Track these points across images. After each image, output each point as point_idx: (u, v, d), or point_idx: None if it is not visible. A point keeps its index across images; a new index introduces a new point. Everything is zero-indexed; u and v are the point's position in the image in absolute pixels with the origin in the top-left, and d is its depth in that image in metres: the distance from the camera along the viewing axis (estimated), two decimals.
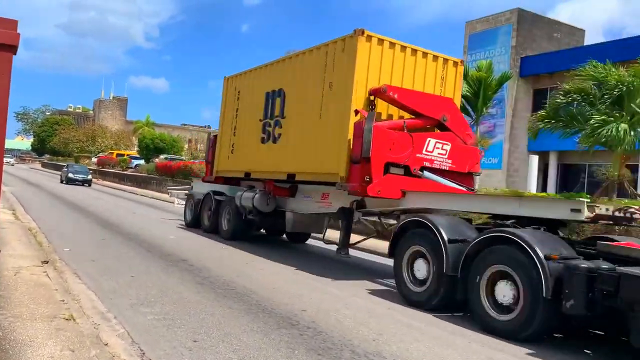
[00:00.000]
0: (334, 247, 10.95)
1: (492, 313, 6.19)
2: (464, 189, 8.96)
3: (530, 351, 5.79)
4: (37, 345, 4.63)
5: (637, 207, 6.29)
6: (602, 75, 10.73)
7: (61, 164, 56.63)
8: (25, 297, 6.15)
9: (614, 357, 6.06)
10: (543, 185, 27.71)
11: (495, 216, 7.14)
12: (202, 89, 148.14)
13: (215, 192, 14.32)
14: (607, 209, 6.21)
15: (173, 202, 24.25)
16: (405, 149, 8.61)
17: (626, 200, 11.65)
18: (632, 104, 10.82)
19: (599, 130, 10.47)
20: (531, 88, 28.23)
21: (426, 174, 8.84)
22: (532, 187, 20.54)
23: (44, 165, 73.83)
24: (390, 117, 9.50)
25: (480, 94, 15.31)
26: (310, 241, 14.13)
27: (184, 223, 16.19)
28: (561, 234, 6.66)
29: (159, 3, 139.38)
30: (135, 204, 23.62)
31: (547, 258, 5.59)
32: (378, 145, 8.35)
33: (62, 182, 36.27)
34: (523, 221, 6.47)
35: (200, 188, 15.72)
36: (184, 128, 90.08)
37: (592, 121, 10.74)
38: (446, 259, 6.70)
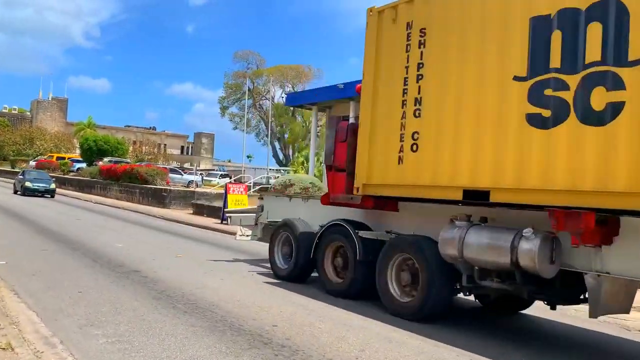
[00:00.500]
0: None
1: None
2: None
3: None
4: None
5: None
6: None
7: (6, 169, 53.44)
8: None
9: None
10: None
11: None
12: (146, 89, 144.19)
13: (357, 225, 8.16)
14: None
15: (234, 233, 16.35)
16: None
17: None
18: None
19: None
20: None
21: None
22: None
23: None
24: None
25: None
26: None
27: (269, 270, 10.04)
28: None
29: (100, 1, 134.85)
30: (155, 232, 16.47)
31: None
32: None
33: (16, 192, 30.16)
34: None
35: (307, 212, 9.60)
36: (128, 130, 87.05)
37: None
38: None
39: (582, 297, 6.34)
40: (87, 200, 29.24)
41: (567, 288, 6.21)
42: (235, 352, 5.22)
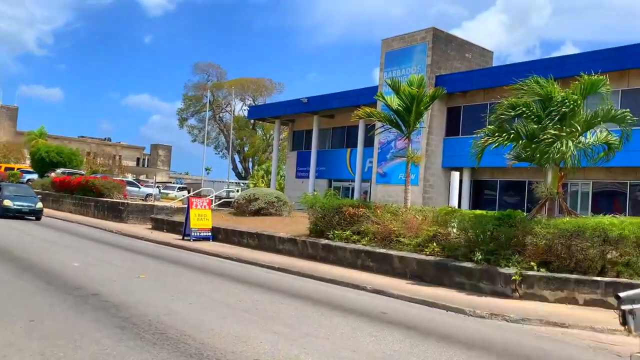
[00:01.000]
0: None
1: None
2: None
3: None
4: None
5: None
6: (547, 91, 10.57)
7: None
8: None
9: None
10: (457, 201, 28.21)
11: None
12: (101, 100, 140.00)
13: None
14: None
15: (199, 251, 16.16)
16: None
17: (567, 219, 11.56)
18: (572, 121, 10.75)
19: (554, 146, 10.24)
20: (445, 106, 28.70)
21: None
22: (454, 202, 20.58)
23: None
24: None
25: (412, 108, 14.90)
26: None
27: (241, 291, 9.88)
28: None
29: (53, 9, 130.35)
30: (114, 249, 15.34)
31: None
32: None
33: None
34: None
35: None
36: (82, 140, 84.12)
37: (546, 137, 10.48)
38: None
39: None
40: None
41: None
42: None
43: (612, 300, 9.79)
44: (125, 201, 27.27)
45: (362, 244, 13.87)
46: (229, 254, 15.63)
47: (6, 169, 47.51)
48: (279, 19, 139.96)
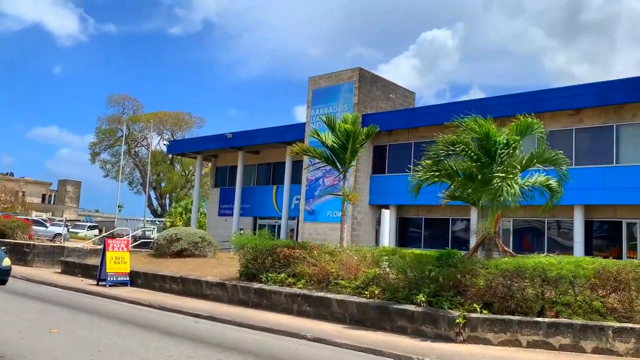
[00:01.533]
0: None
1: None
2: None
3: None
4: None
5: None
6: (485, 130, 10.64)
7: None
8: None
9: None
10: (388, 239, 28.27)
11: None
12: (3, 132, 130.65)
13: None
14: None
15: (115, 298, 14.56)
16: None
17: (500, 257, 11.58)
18: (512, 162, 10.88)
19: (500, 187, 10.23)
20: (371, 144, 28.99)
21: None
22: (385, 240, 20.47)
23: None
24: None
25: (348, 146, 14.68)
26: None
27: (175, 345, 8.88)
28: None
29: None
30: (19, 298, 13.50)
31: None
32: None
33: None
34: None
35: None
36: None
37: (497, 177, 10.46)
38: None
39: None
40: None
41: None
42: None
43: (553, 341, 9.78)
44: (31, 242, 24.89)
45: (298, 287, 13.20)
46: (150, 301, 14.38)
47: None
48: (197, 54, 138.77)
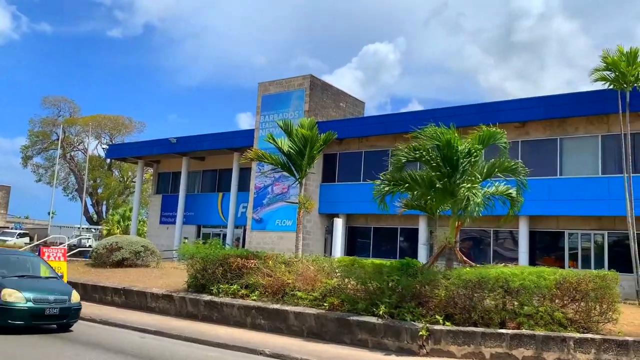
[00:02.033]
0: None
1: None
2: None
3: None
4: None
5: None
6: (447, 138, 10.47)
7: None
8: None
9: None
10: (332, 247, 27.95)
11: None
12: None
13: None
14: None
15: None
16: None
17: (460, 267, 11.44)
18: (473, 171, 10.76)
19: (465, 196, 10.04)
20: (322, 152, 28.63)
21: None
22: (338, 249, 20.14)
23: None
24: None
25: (305, 152, 14.22)
26: None
27: None
28: None
29: None
30: None
31: None
32: None
33: None
34: None
35: None
36: None
37: (460, 187, 10.27)
38: None
39: None
40: None
41: None
42: None
43: (516, 353, 9.66)
44: None
45: (252, 299, 12.58)
46: (91, 314, 13.34)
47: None
48: (138, 58, 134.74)
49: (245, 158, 15.29)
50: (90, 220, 64.28)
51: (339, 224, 20.24)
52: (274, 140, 14.77)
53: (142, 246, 20.62)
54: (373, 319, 10.58)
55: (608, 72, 17.80)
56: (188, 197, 35.03)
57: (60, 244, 36.07)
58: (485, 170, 11.21)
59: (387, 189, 11.20)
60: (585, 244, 22.38)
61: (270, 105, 29.43)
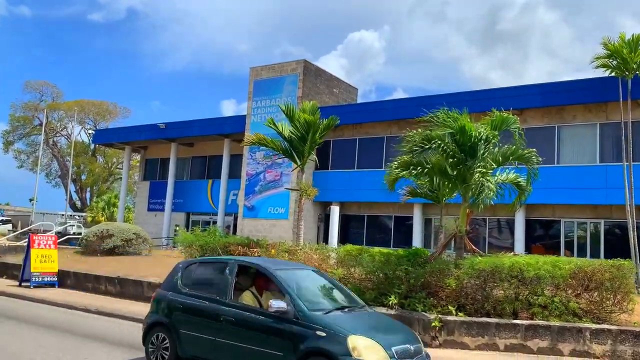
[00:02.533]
0: None
1: None
2: None
3: None
4: None
5: None
6: (460, 124, 10.12)
7: None
8: None
9: None
10: (325, 236, 27.61)
11: None
12: None
13: None
14: None
15: (43, 301, 13.14)
16: None
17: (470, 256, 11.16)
18: (487, 158, 10.44)
19: (481, 182, 9.70)
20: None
21: None
22: (334, 238, 19.78)
23: None
24: None
25: (308, 137, 13.79)
26: None
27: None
28: None
29: None
30: None
31: None
32: None
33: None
34: None
35: None
36: None
37: (475, 173, 9.93)
38: None
39: None
40: None
41: None
42: None
43: (531, 344, 9.43)
44: None
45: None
46: (86, 304, 12.86)
47: None
48: (120, 43, 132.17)
49: (246, 142, 14.81)
50: (74, 207, 63.18)
51: (335, 211, 19.82)
52: (274, 125, 14.31)
53: (133, 233, 20.10)
54: (383, 310, 10.25)
55: (610, 60, 17.61)
56: (177, 184, 34.41)
57: (45, 231, 35.33)
58: (500, 158, 10.90)
59: (403, 173, 10.74)
60: (582, 232, 22.35)
61: (262, 91, 28.86)
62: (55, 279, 15.71)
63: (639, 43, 17.20)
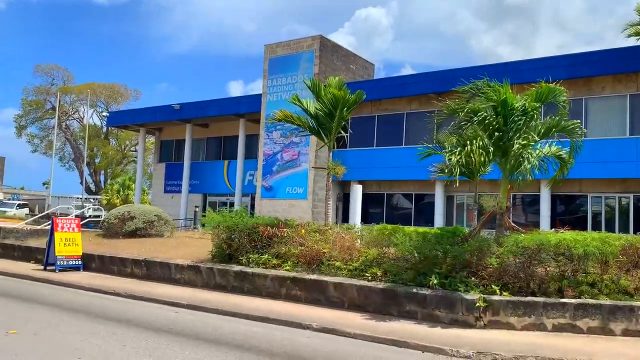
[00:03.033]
0: None
1: None
2: None
3: None
4: None
5: None
6: (502, 96, 9.64)
7: None
8: None
9: None
10: (344, 215, 27.27)
11: None
12: None
13: None
14: None
15: (69, 285, 12.94)
16: None
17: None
18: (530, 131, 9.96)
19: (521, 153, 9.26)
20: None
21: None
22: (357, 218, 19.41)
23: None
24: None
25: (336, 114, 13.34)
26: None
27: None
28: None
29: None
30: None
31: None
32: None
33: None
34: None
35: None
36: None
37: (515, 145, 9.47)
38: None
39: None
40: None
41: None
42: None
43: (581, 324, 9.06)
44: None
45: (286, 270, 11.89)
46: (113, 287, 12.66)
47: None
48: (126, 25, 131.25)
49: (272, 119, 14.39)
50: (88, 190, 63.36)
51: (358, 190, 19.40)
52: (299, 101, 13.86)
53: (155, 215, 19.84)
54: (424, 290, 9.93)
55: None
56: (193, 165, 34.16)
57: (62, 214, 35.33)
58: (543, 130, 10.41)
59: (454, 155, 10.13)
60: (609, 207, 21.83)
61: (277, 68, 28.30)
62: (80, 262, 15.54)
63: None
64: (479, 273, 10.06)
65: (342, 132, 15.26)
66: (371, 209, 28.21)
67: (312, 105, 13.88)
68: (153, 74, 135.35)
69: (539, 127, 10.42)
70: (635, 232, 18.37)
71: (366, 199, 28.28)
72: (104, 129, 63.36)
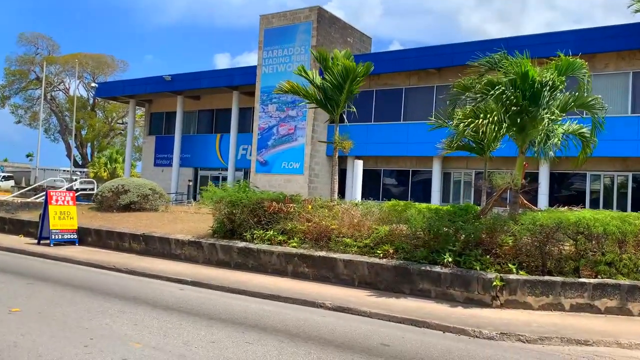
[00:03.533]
0: None
1: None
2: None
3: None
4: None
5: None
6: (522, 69, 9.28)
7: None
8: None
9: None
10: (340, 191, 26.96)
11: None
12: None
13: None
14: None
15: (65, 259, 12.40)
16: None
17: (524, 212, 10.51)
18: (551, 106, 9.63)
19: (547, 128, 8.94)
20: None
21: None
22: (358, 193, 19.11)
23: None
24: None
25: (345, 86, 12.89)
26: None
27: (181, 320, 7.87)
28: None
29: None
30: None
31: None
32: None
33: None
34: None
35: None
36: None
37: (542, 119, 9.14)
38: None
39: None
40: None
41: None
42: None
43: (599, 304, 8.89)
44: None
45: (292, 246, 11.58)
46: (112, 262, 12.27)
47: None
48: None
49: (279, 90, 13.89)
50: (75, 162, 62.28)
51: (359, 166, 19.09)
52: (305, 72, 13.37)
53: (149, 189, 19.37)
54: (438, 268, 9.68)
55: None
56: (184, 139, 33.52)
57: (49, 187, 34.58)
58: (561, 105, 10.09)
59: (462, 124, 9.84)
60: (608, 185, 21.77)
61: (273, 40, 27.58)
62: (76, 236, 15.09)
63: None
64: (493, 251, 9.84)
65: (352, 106, 14.79)
66: (368, 184, 27.87)
67: (318, 77, 13.39)
68: (138, 45, 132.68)
69: (559, 103, 10.09)
70: (633, 211, 18.29)
71: (363, 175, 28.06)
72: (91, 101, 61.99)
